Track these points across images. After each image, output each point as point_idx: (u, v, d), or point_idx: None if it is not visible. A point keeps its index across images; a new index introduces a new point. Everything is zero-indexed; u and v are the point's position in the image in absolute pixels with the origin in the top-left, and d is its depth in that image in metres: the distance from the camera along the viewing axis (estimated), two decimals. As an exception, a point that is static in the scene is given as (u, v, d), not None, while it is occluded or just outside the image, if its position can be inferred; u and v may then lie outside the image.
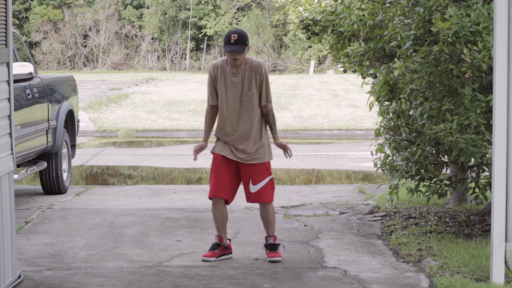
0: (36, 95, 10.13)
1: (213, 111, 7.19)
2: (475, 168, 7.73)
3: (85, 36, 48.49)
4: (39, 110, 10.19)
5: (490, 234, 6.17)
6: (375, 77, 8.12)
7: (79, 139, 17.63)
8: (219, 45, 47.87)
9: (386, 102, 8.10)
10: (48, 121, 10.49)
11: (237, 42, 6.90)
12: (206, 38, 48.23)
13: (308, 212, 9.41)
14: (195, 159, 7.28)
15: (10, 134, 6.41)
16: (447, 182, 7.82)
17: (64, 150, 11.21)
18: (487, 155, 7.09)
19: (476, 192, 7.80)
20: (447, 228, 8.12)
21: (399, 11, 8.00)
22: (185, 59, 48.55)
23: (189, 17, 48.15)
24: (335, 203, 9.98)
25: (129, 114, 24.63)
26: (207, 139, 7.24)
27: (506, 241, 6.11)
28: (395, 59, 7.69)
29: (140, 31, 48.64)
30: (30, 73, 9.74)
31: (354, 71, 8.68)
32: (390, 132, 8.25)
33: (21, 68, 9.64)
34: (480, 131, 7.14)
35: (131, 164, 16.01)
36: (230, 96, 7.04)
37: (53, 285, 6.32)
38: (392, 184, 8.02)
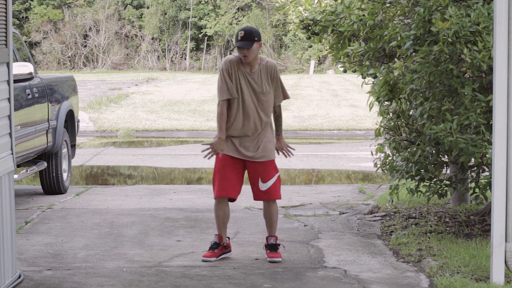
0: (36, 95, 10.13)
1: (225, 106, 7.04)
2: (475, 168, 7.73)
3: (85, 36, 48.50)
4: (39, 110, 10.19)
5: (490, 234, 6.17)
6: (375, 77, 8.12)
7: (79, 139, 17.64)
8: (219, 45, 47.90)
9: (386, 102, 8.10)
10: (48, 121, 10.49)
11: (244, 39, 6.93)
12: (206, 38, 48.23)
13: (308, 212, 9.41)
14: (209, 158, 7.13)
15: (10, 134, 6.41)
16: (447, 182, 7.82)
17: (64, 150, 11.21)
18: (487, 155, 7.09)
19: (476, 192, 7.80)
20: (447, 228, 8.12)
21: (399, 11, 8.00)
22: (185, 59, 48.56)
23: (189, 17, 48.16)
24: (335, 203, 9.98)
25: (129, 114, 24.63)
26: (225, 133, 7.09)
27: (506, 241, 6.11)
28: (395, 59, 7.69)
29: (140, 31, 48.65)
30: (30, 73, 9.74)
31: (354, 71, 8.68)
32: (390, 132, 8.25)
33: (21, 68, 9.64)
34: (480, 131, 7.14)
35: (131, 164, 16.01)
36: (247, 95, 7.04)
37: (53, 285, 6.32)
38: (392, 184, 8.02)
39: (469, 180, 7.94)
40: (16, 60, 9.88)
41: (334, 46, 8.74)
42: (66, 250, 7.51)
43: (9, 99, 6.38)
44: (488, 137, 7.03)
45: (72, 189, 11.42)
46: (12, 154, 6.42)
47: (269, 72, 7.07)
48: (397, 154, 8.03)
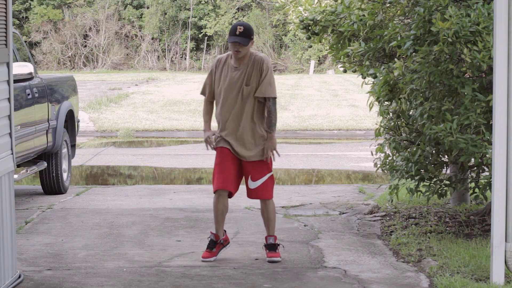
0: (36, 95, 10.13)
1: (208, 101, 7.19)
2: (475, 168, 7.73)
3: (85, 36, 48.49)
4: (39, 110, 10.19)
5: (490, 234, 6.17)
6: (375, 77, 8.12)
7: (79, 139, 17.64)
8: (219, 45, 47.88)
9: (386, 102, 8.10)
10: (48, 121, 10.49)
11: (242, 35, 6.89)
12: (206, 38, 48.23)
13: (308, 212, 9.41)
14: (213, 148, 7.16)
15: (10, 134, 6.41)
16: (447, 182, 7.82)
17: (64, 150, 11.21)
18: (487, 155, 7.09)
19: (476, 192, 7.80)
20: (447, 228, 8.12)
21: (399, 11, 8.00)
22: (185, 59, 48.55)
23: (189, 17, 48.15)
24: (335, 203, 9.98)
25: (129, 114, 24.64)
26: (209, 126, 7.18)
27: (506, 241, 6.11)
28: (395, 59, 7.69)
29: (140, 31, 48.65)
30: (30, 73, 9.74)
31: (354, 71, 8.68)
32: (390, 132, 8.25)
33: (21, 68, 9.64)
34: (480, 131, 7.14)
35: (131, 164, 16.01)
36: (229, 90, 7.00)
37: (53, 285, 6.32)
38: (392, 184, 8.02)
39: (469, 180, 7.94)
40: (16, 60, 9.88)
41: (334, 46, 8.74)
42: (66, 250, 7.51)
43: (9, 99, 6.38)
44: (488, 137, 7.03)
45: (72, 189, 11.42)
46: (12, 154, 6.42)
47: (256, 65, 6.98)
48: (397, 154, 8.03)
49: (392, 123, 8.21)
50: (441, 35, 6.91)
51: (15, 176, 9.34)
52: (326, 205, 9.86)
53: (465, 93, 7.15)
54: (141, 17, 49.16)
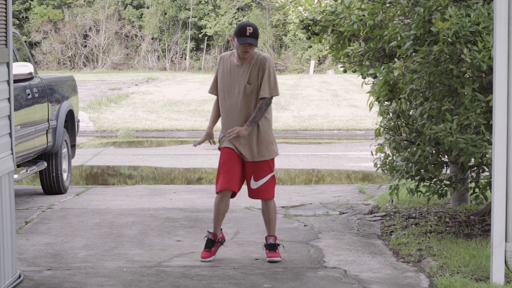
0: (36, 95, 10.13)
1: (217, 99, 7.19)
2: (475, 168, 7.73)
3: (85, 36, 48.49)
4: (39, 110, 10.19)
5: (490, 234, 6.17)
6: (375, 77, 8.12)
7: (79, 139, 17.64)
8: (219, 45, 47.88)
9: (386, 102, 8.10)
10: (48, 121, 10.49)
11: (252, 35, 6.89)
12: (206, 38, 48.23)
13: (308, 212, 9.41)
14: (195, 145, 7.17)
15: (10, 134, 6.41)
16: (447, 182, 7.82)
17: (64, 150, 11.21)
18: (487, 155, 7.09)
19: (476, 192, 7.80)
20: (447, 228, 8.12)
21: (399, 11, 8.00)
22: (185, 59, 48.55)
23: (189, 17, 48.15)
24: (335, 203, 9.98)
25: (129, 114, 24.64)
26: (212, 126, 7.16)
27: (506, 241, 6.11)
28: (395, 59, 7.69)
29: (140, 31, 48.65)
30: (30, 73, 9.74)
31: (354, 71, 8.68)
32: (390, 132, 8.25)
33: (21, 68, 9.64)
34: (480, 131, 7.14)
35: (131, 164, 16.01)
36: (232, 89, 7.01)
37: (53, 285, 6.32)
38: (392, 184, 8.02)
39: (469, 180, 7.94)
40: (16, 60, 9.88)
41: (334, 46, 8.74)
42: (66, 250, 7.51)
43: (9, 99, 6.38)
44: (488, 137, 7.03)
45: (72, 189, 11.42)
46: (12, 154, 6.42)
47: (259, 64, 6.98)
48: (397, 154, 8.03)
49: (392, 123, 8.21)
50: (441, 35, 6.91)
51: (15, 176, 9.34)
52: (326, 205, 9.86)
53: (465, 93, 7.15)
54: (141, 17, 49.16)
